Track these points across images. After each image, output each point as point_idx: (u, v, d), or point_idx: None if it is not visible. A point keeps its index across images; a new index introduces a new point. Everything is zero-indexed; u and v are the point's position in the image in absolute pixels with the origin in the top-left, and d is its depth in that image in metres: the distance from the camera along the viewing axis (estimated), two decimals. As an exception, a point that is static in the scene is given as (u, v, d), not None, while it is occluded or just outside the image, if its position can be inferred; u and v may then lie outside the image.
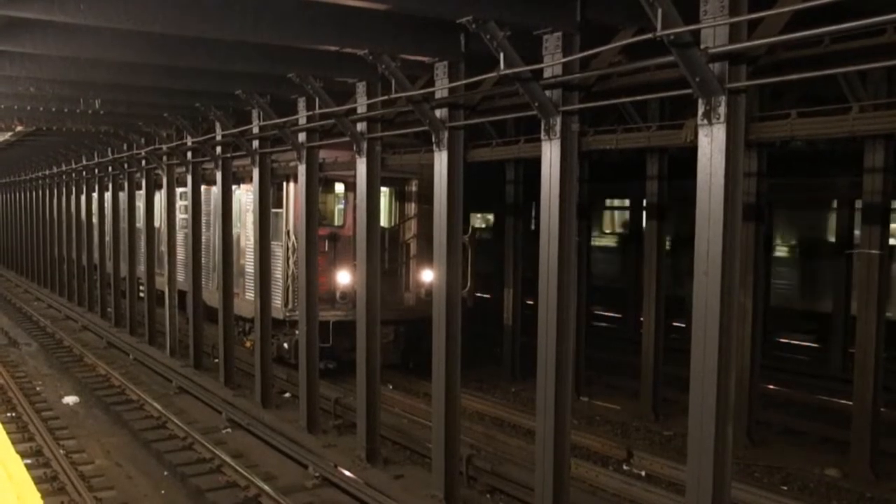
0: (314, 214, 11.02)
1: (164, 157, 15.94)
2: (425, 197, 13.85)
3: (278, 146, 12.10)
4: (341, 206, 14.57)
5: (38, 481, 9.07)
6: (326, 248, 13.52)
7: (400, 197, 14.86)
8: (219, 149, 13.42)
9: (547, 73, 6.79)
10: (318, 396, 11.26)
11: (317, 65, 9.08)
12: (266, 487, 8.89)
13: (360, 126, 9.47)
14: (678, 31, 5.23)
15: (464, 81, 7.92)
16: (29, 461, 9.70)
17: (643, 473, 9.83)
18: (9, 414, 12.07)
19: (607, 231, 21.43)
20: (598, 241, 20.53)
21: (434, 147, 8.23)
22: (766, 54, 6.61)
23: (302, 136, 10.79)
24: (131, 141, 17.13)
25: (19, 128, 16.04)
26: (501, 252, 15.11)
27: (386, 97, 8.73)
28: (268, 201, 12.45)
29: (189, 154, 14.70)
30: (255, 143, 12.09)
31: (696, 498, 5.67)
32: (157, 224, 18.05)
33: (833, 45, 8.06)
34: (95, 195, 21.93)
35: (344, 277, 13.64)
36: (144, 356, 16.07)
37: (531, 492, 7.72)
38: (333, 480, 9.21)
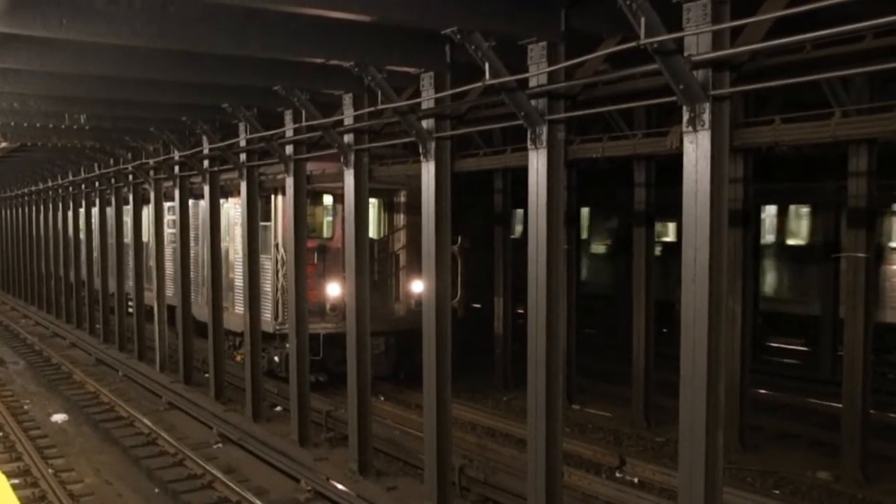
0: (303, 227, 11.00)
1: (152, 172, 15.89)
2: (414, 207, 13.85)
3: (266, 159, 12.09)
4: (330, 218, 14.56)
5: (26, 501, 9.00)
6: (315, 261, 13.49)
7: (388, 208, 14.86)
8: (206, 162, 13.39)
9: (532, 83, 6.81)
10: (309, 409, 11.20)
11: (303, 77, 9.09)
12: (258, 502, 8.84)
13: (348, 138, 9.47)
14: (661, 38, 5.26)
15: (450, 92, 7.93)
16: (16, 481, 9.59)
17: (636, 480, 9.82)
18: (-4, 433, 11.98)
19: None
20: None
21: (421, 157, 8.24)
22: (750, 61, 6.66)
23: (289, 149, 10.78)
24: (118, 156, 17.05)
25: (3, 144, 15.96)
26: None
27: (372, 108, 8.74)
28: (256, 214, 12.42)
29: (176, 168, 14.65)
30: (243, 157, 12.07)
31: (689, 503, 5.68)
32: (145, 239, 17.97)
33: (815, 51, 8.14)
34: (82, 211, 21.81)
35: (333, 289, 13.61)
36: (134, 372, 15.96)
37: (524, 501, 7.71)
38: (326, 494, 9.17)
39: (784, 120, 8.94)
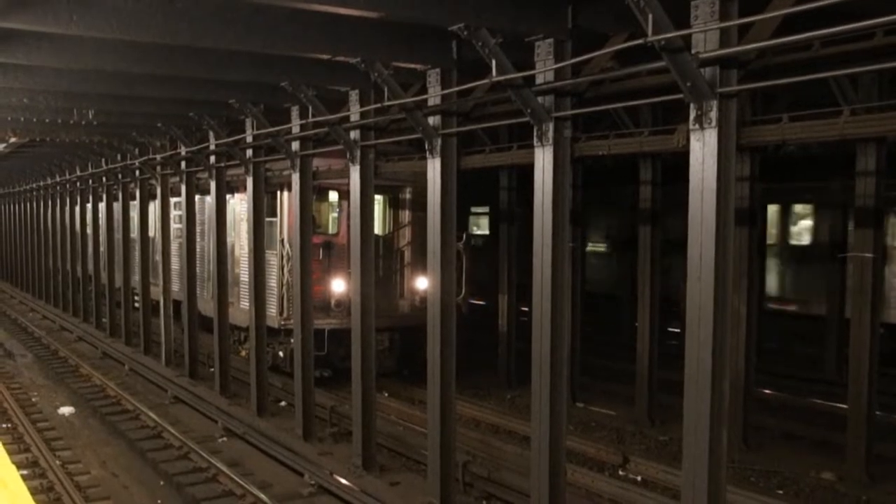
0: (308, 223, 11.02)
1: (158, 167, 15.93)
2: (419, 204, 13.86)
3: (272, 155, 12.11)
4: (335, 215, 14.59)
5: (34, 492, 9.03)
6: (321, 257, 13.52)
7: (394, 204, 14.87)
8: (212, 158, 13.42)
9: (539, 80, 6.81)
10: (313, 404, 11.24)
11: (310, 73, 9.10)
12: (262, 496, 8.86)
13: (354, 134, 9.49)
14: (669, 36, 5.25)
15: (456, 88, 7.94)
16: (25, 472, 9.65)
17: (639, 478, 9.82)
18: (4, 425, 12.05)
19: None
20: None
21: (427, 154, 8.25)
22: (757, 59, 6.64)
23: (295, 145, 10.80)
24: (125, 151, 17.11)
25: (13, 139, 16.02)
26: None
27: (379, 105, 8.75)
28: (262, 210, 12.44)
29: (183, 164, 14.70)
30: (249, 152, 12.10)
31: (692, 502, 5.67)
32: (151, 234, 18.03)
33: (823, 49, 8.11)
34: (90, 206, 21.89)
35: (338, 285, 13.63)
36: (140, 366, 16.03)
37: (527, 498, 7.72)
38: (329, 488, 9.20)
39: (791, 118, 8.91)
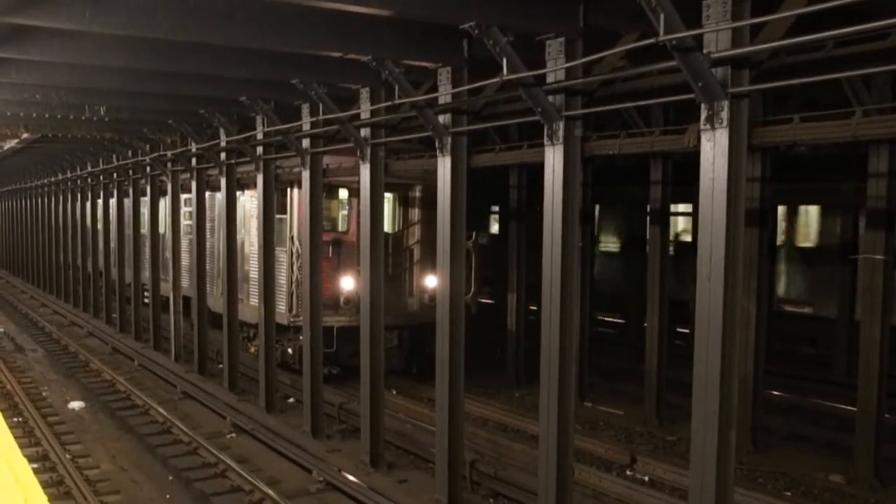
0: (318, 220, 11.05)
1: (169, 164, 16.01)
2: (429, 202, 13.86)
3: (282, 152, 12.15)
4: (345, 212, 14.60)
5: (44, 486, 9.09)
6: (330, 254, 13.55)
7: (403, 202, 14.88)
8: (223, 155, 13.46)
9: (550, 79, 6.81)
10: (322, 401, 11.27)
11: (320, 71, 9.12)
12: (270, 492, 8.91)
13: (364, 132, 9.50)
14: (680, 35, 5.24)
15: (467, 87, 7.94)
16: (35, 465, 9.71)
17: (646, 479, 9.80)
18: (15, 419, 12.11)
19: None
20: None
21: (437, 152, 8.26)
22: (769, 59, 6.61)
23: (306, 142, 10.83)
24: (136, 147, 17.20)
25: (25, 135, 16.15)
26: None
27: (389, 103, 8.77)
28: (272, 207, 12.48)
29: (193, 160, 14.76)
30: (260, 150, 12.13)
31: (699, 503, 5.67)
32: (161, 230, 18.12)
33: (836, 49, 8.06)
34: (101, 202, 22.00)
35: (348, 283, 13.66)
36: (149, 362, 16.11)
37: (534, 496, 7.72)
38: (337, 485, 9.23)
39: (803, 118, 8.87)
